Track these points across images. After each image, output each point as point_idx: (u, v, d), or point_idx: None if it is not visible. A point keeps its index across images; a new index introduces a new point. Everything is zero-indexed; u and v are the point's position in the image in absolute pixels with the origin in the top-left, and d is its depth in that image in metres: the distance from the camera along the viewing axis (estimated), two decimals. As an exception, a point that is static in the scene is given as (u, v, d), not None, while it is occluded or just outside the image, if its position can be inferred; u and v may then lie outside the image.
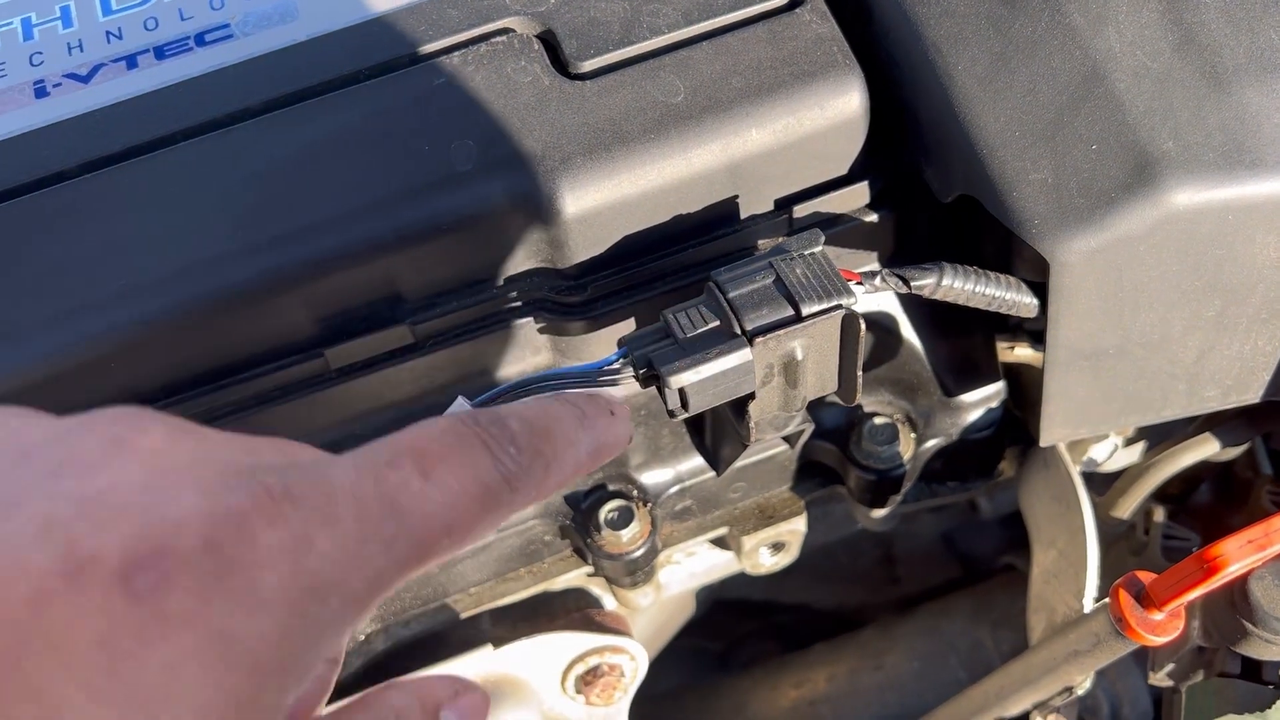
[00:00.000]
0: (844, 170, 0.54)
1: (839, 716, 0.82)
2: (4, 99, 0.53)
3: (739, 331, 0.46)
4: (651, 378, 0.46)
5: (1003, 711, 0.60)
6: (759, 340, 0.46)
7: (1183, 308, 0.50)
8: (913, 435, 0.62)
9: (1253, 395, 0.56)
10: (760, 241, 0.54)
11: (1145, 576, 0.49)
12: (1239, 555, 0.45)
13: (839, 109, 0.52)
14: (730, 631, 1.01)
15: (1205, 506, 0.75)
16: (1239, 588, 0.55)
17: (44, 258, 0.49)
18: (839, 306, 0.47)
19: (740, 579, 0.86)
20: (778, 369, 0.48)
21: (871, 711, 0.82)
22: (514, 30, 0.53)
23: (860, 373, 0.49)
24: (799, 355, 0.47)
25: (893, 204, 0.55)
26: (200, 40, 0.53)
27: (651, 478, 0.62)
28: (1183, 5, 0.49)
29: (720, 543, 0.69)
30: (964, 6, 0.51)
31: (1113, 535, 0.68)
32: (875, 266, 0.55)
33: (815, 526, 0.69)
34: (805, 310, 0.46)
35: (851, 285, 0.47)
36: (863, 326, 0.47)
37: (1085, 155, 0.47)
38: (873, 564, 0.96)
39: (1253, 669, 0.56)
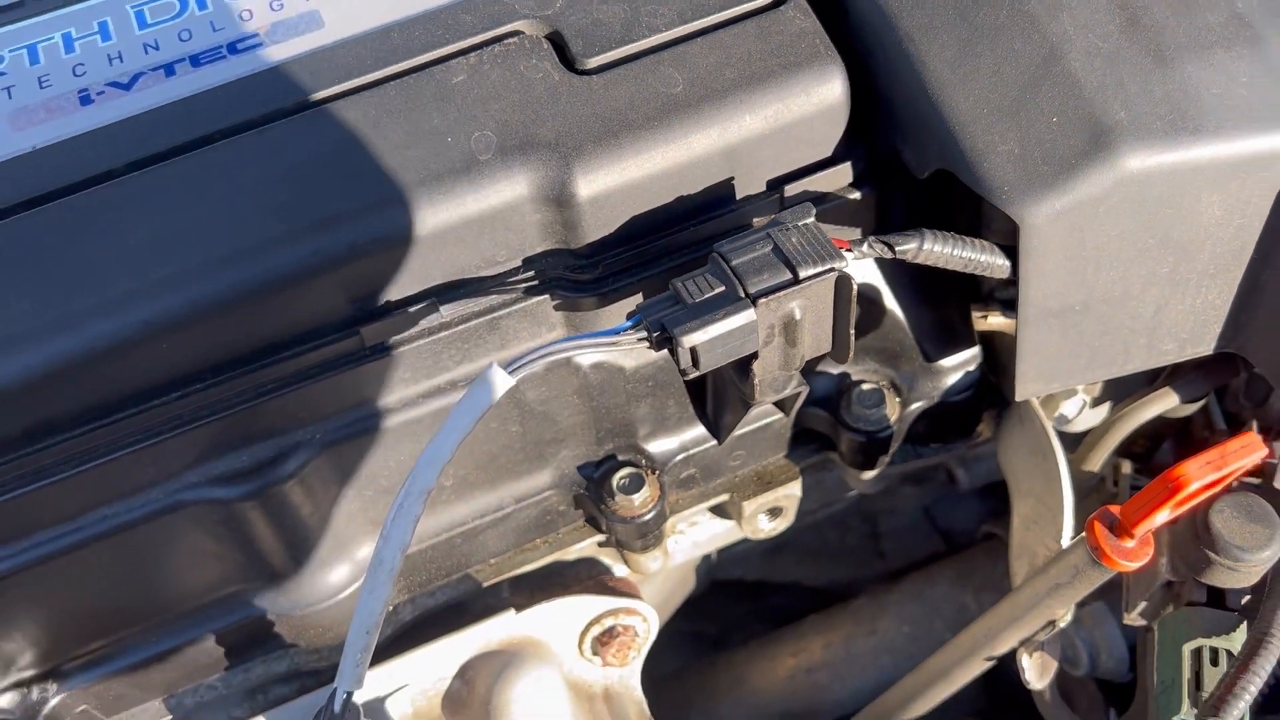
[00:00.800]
0: (829, 152, 0.59)
1: (838, 680, 0.86)
2: (51, 106, 0.56)
3: (743, 295, 0.51)
4: (664, 340, 0.51)
5: (992, 650, 0.65)
6: (761, 301, 0.51)
7: (1140, 265, 0.56)
8: (898, 399, 0.67)
9: (1206, 347, 0.61)
10: (755, 220, 0.59)
11: (1116, 509, 0.54)
12: (1199, 474, 0.50)
13: (823, 96, 0.57)
14: (726, 615, 1.05)
15: (1168, 465, 0.80)
16: (1201, 520, 0.60)
17: (98, 249, 0.52)
18: (832, 269, 0.51)
19: (737, 557, 0.91)
20: (778, 329, 0.53)
21: (868, 675, 0.87)
22: (524, 32, 0.58)
23: (853, 331, 0.54)
24: (797, 315, 0.52)
25: (874, 182, 0.61)
26: (233, 49, 0.58)
27: (658, 447, 0.66)
28: (1128, -8, 0.54)
29: (721, 512, 0.74)
30: (932, -1, 0.56)
31: (1085, 489, 0.73)
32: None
33: (810, 494, 0.74)
34: (802, 273, 0.51)
35: (842, 251, 0.52)
36: (854, 287, 0.52)
37: (1047, 127, 0.52)
38: (860, 540, 1.00)
39: (1217, 597, 0.61)
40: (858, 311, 0.65)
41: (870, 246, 0.54)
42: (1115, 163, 0.51)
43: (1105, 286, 0.56)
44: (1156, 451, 0.79)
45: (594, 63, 0.57)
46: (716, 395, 0.64)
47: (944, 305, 0.66)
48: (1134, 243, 0.54)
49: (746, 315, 0.51)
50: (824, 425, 0.69)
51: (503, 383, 0.49)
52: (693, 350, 0.51)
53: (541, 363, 0.50)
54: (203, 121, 0.55)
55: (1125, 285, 0.57)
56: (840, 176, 0.60)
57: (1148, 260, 0.56)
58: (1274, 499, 0.64)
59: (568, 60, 0.57)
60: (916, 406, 0.67)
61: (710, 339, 0.51)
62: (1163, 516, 0.52)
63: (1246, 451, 0.50)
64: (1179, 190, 0.53)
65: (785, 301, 0.51)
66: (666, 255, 0.58)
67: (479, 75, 0.56)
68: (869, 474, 0.69)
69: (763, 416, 0.68)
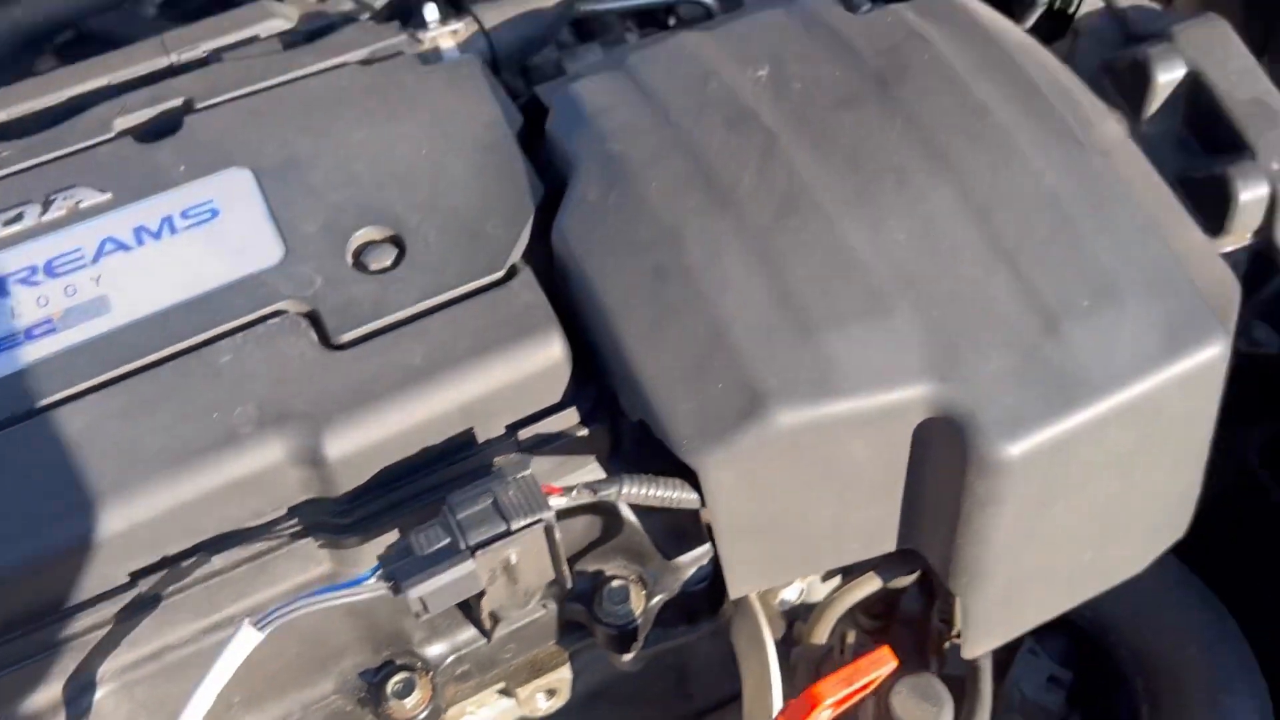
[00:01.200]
0: (557, 399, 0.69)
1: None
2: None
3: (464, 547, 0.61)
4: (398, 588, 0.60)
5: (729, 815, 0.74)
6: (480, 552, 0.60)
7: (808, 493, 0.67)
8: (644, 592, 0.77)
9: (889, 546, 0.72)
10: (496, 459, 0.69)
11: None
12: (832, 691, 0.60)
13: (545, 358, 0.67)
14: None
15: (913, 615, 0.91)
16: (884, 701, 0.71)
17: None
18: (540, 520, 0.61)
19: (555, 710, 0.99)
20: (500, 570, 0.62)
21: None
22: (287, 311, 0.67)
23: (565, 565, 0.64)
24: (514, 559, 0.62)
25: (601, 419, 0.71)
26: (29, 334, 0.66)
27: (432, 650, 0.75)
28: (784, 271, 0.66)
29: (505, 690, 0.83)
30: (629, 278, 0.67)
31: (819, 656, 0.83)
32: (572, 480, 0.70)
33: (586, 670, 0.83)
34: (514, 525, 0.61)
35: (551, 499, 0.62)
36: (558, 533, 0.61)
37: (716, 392, 0.63)
38: (669, 684, 1.10)
39: (911, 761, 0.72)
40: (601, 527, 0.76)
41: (579, 492, 0.65)
42: (769, 421, 0.63)
43: (783, 510, 0.67)
44: (896, 608, 0.90)
45: (346, 338, 0.66)
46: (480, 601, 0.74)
47: (675, 511, 0.77)
48: (798, 478, 0.66)
49: (467, 566, 0.60)
50: (582, 617, 0.78)
51: (253, 639, 0.58)
52: (421, 599, 0.60)
53: (290, 616, 0.59)
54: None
55: (801, 508, 0.68)
56: (570, 418, 0.70)
57: (814, 490, 0.67)
58: (961, 671, 0.75)
59: (324, 336, 0.67)
60: (660, 598, 0.77)
61: (435, 589, 0.60)
62: (824, 717, 0.62)
63: (875, 666, 0.60)
64: (828, 439, 0.64)
65: (501, 550, 0.61)
66: (416, 497, 0.67)
67: (243, 354, 0.66)
68: (627, 657, 0.79)
69: (528, 614, 0.77)
